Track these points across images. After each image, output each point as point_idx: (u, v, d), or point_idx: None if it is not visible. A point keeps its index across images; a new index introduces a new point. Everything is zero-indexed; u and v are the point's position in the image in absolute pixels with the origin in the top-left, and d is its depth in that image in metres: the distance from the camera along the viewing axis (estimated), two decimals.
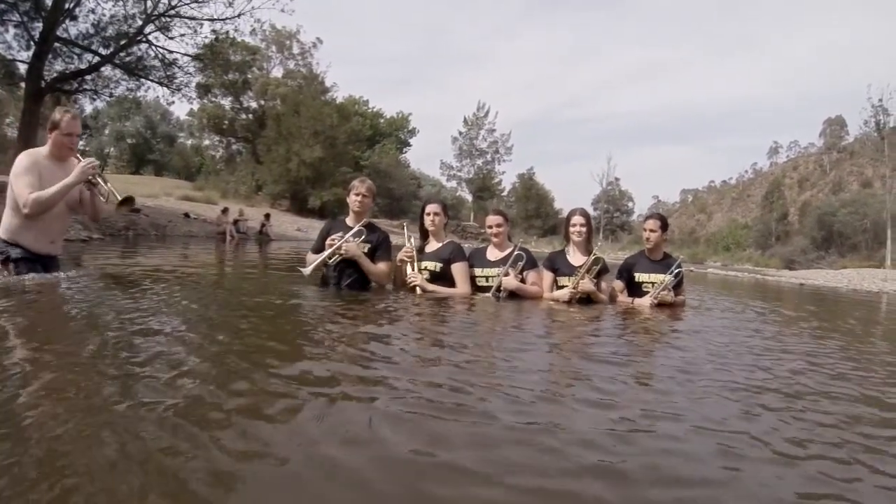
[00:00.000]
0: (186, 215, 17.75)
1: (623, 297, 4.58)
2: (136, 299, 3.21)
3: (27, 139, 13.92)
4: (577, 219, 4.54)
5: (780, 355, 2.94)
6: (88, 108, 42.31)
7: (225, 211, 17.22)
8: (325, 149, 34.66)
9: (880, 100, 38.42)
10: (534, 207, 61.83)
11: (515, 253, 4.32)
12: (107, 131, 54.13)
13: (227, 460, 1.20)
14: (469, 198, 58.33)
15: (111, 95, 17.93)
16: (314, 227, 25.16)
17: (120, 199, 3.68)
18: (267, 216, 19.90)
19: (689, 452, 1.43)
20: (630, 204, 77.07)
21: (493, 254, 4.49)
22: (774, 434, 1.60)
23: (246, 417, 1.44)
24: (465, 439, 1.41)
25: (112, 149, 53.68)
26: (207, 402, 1.54)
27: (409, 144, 54.56)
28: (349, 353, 2.25)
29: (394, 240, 4.50)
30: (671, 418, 1.67)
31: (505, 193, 63.52)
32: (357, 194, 4.21)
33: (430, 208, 4.46)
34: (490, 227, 4.52)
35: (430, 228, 4.43)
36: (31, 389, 1.53)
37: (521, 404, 1.71)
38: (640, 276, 4.57)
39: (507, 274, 4.26)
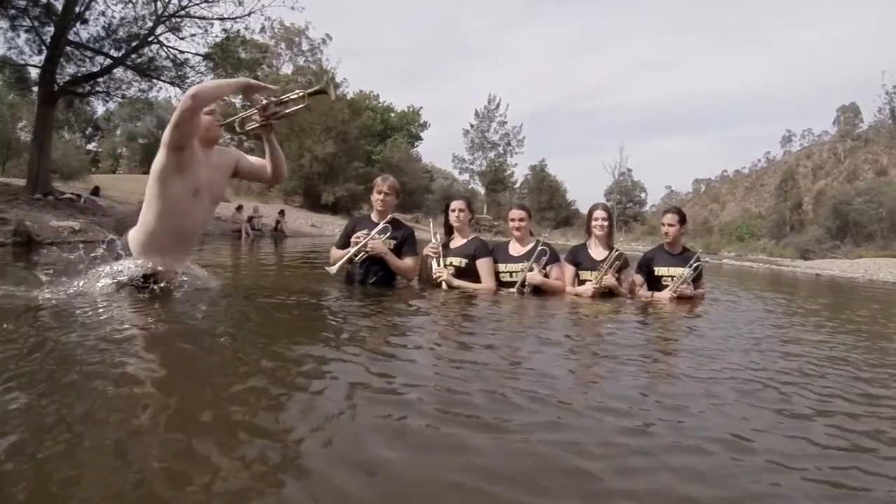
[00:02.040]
0: None
1: (643, 291, 4.60)
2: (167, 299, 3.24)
3: (41, 143, 14.02)
4: (598, 213, 4.57)
5: (802, 352, 2.96)
6: (101, 110, 42.87)
7: (239, 208, 17.37)
8: (337, 144, 34.76)
9: (895, 86, 37.81)
10: (546, 199, 61.83)
11: (539, 248, 4.37)
12: (118, 132, 54.67)
13: (243, 463, 1.23)
14: (482, 190, 58.35)
15: (123, 97, 17.95)
16: (328, 222, 25.31)
17: (320, 86, 3.52)
18: (281, 213, 20.02)
19: (715, 469, 1.38)
20: (643, 195, 76.95)
21: (515, 249, 4.54)
22: (805, 444, 1.57)
23: (265, 422, 1.47)
24: (484, 445, 1.41)
25: (124, 149, 54.26)
26: (229, 404, 1.58)
27: (420, 138, 54.56)
28: (378, 351, 2.30)
29: (417, 235, 4.55)
30: (693, 427, 1.64)
31: (517, 185, 63.57)
32: (380, 192, 4.26)
33: (455, 204, 4.52)
34: (513, 220, 4.58)
35: (455, 224, 4.49)
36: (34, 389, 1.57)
37: (545, 410, 1.71)
38: (659, 270, 4.61)
39: (531, 269, 4.30)
